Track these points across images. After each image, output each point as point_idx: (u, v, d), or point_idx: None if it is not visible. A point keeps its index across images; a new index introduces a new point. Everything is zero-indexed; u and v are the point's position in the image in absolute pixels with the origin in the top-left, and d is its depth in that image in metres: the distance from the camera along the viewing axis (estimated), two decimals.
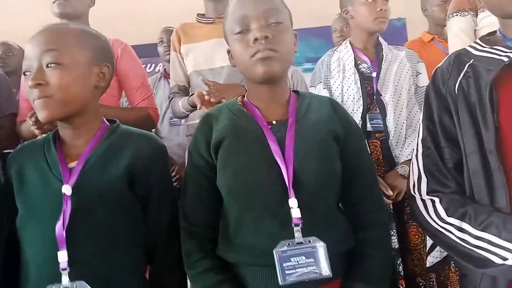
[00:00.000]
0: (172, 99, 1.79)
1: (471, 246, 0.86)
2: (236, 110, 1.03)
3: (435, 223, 0.91)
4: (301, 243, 0.88)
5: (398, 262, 1.56)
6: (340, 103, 1.68)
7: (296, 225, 0.89)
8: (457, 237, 0.88)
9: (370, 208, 1.01)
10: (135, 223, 1.00)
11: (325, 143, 0.97)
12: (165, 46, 2.62)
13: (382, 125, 1.62)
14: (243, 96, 1.08)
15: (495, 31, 1.00)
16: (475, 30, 1.68)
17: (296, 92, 1.08)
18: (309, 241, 0.88)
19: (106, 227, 0.95)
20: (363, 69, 1.71)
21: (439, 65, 1.00)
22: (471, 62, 0.93)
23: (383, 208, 1.05)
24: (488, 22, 1.64)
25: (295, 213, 0.90)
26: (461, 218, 0.88)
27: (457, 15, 1.69)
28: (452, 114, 0.92)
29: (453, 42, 1.70)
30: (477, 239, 0.85)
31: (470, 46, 0.98)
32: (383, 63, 1.67)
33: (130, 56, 1.69)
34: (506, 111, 0.87)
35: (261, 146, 0.96)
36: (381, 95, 1.64)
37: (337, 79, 1.70)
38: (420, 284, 1.58)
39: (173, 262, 1.01)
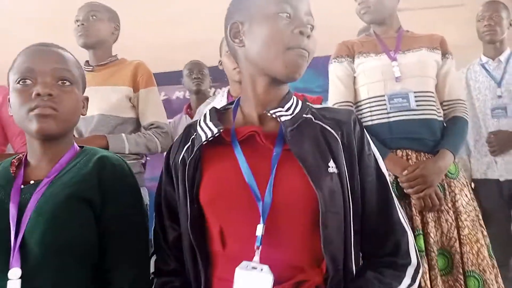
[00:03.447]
0: None
1: None
2: (3, 167, 1.02)
3: None
4: None
5: None
6: None
7: None
8: None
9: (120, 278, 0.93)
10: None
11: (66, 206, 0.91)
12: (194, 78, 2.71)
13: None
14: None
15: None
16: (354, 76, 1.65)
17: (82, 147, 1.06)
18: None
19: None
20: None
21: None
22: (194, 135, 0.93)
23: (134, 277, 0.94)
24: (362, 69, 1.61)
25: (13, 285, 0.86)
26: None
27: (335, 61, 1.67)
28: (174, 189, 0.92)
29: (330, 90, 1.68)
30: None
31: (200, 118, 0.96)
32: None
33: None
34: (205, 190, 0.86)
35: (3, 209, 0.92)
36: None
37: None
38: None
39: None
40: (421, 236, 1.44)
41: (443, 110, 1.63)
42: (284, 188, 0.81)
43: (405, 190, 1.46)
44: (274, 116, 0.87)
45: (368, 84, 1.60)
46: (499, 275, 1.52)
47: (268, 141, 0.86)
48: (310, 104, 0.97)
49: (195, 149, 0.87)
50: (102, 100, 1.73)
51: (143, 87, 1.80)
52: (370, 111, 1.58)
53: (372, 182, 0.89)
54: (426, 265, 1.41)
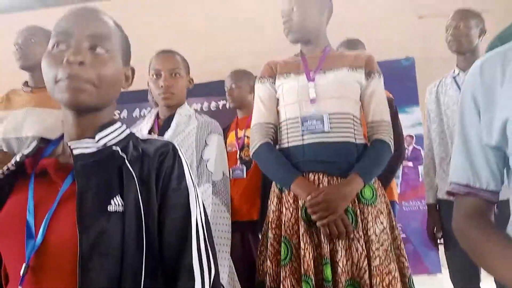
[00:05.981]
0: None
1: None
2: None
3: None
4: None
5: None
6: None
7: None
8: None
9: None
10: None
11: None
12: None
13: None
14: None
15: None
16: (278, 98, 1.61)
17: None
18: None
19: None
20: None
21: None
22: None
23: None
24: (281, 90, 1.57)
25: None
26: None
27: (258, 82, 1.64)
28: None
29: (253, 110, 1.65)
30: None
31: None
32: (165, 132, 1.67)
33: None
34: None
35: None
36: None
37: None
38: None
39: None
40: (328, 266, 1.38)
41: (368, 132, 1.55)
42: (58, 227, 0.79)
43: (311, 216, 1.40)
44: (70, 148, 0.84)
45: (286, 106, 1.55)
46: None
47: (61, 175, 0.84)
48: (136, 135, 0.93)
49: None
50: (38, 122, 1.78)
51: None
52: (287, 133, 1.54)
53: (174, 221, 0.84)
54: None
